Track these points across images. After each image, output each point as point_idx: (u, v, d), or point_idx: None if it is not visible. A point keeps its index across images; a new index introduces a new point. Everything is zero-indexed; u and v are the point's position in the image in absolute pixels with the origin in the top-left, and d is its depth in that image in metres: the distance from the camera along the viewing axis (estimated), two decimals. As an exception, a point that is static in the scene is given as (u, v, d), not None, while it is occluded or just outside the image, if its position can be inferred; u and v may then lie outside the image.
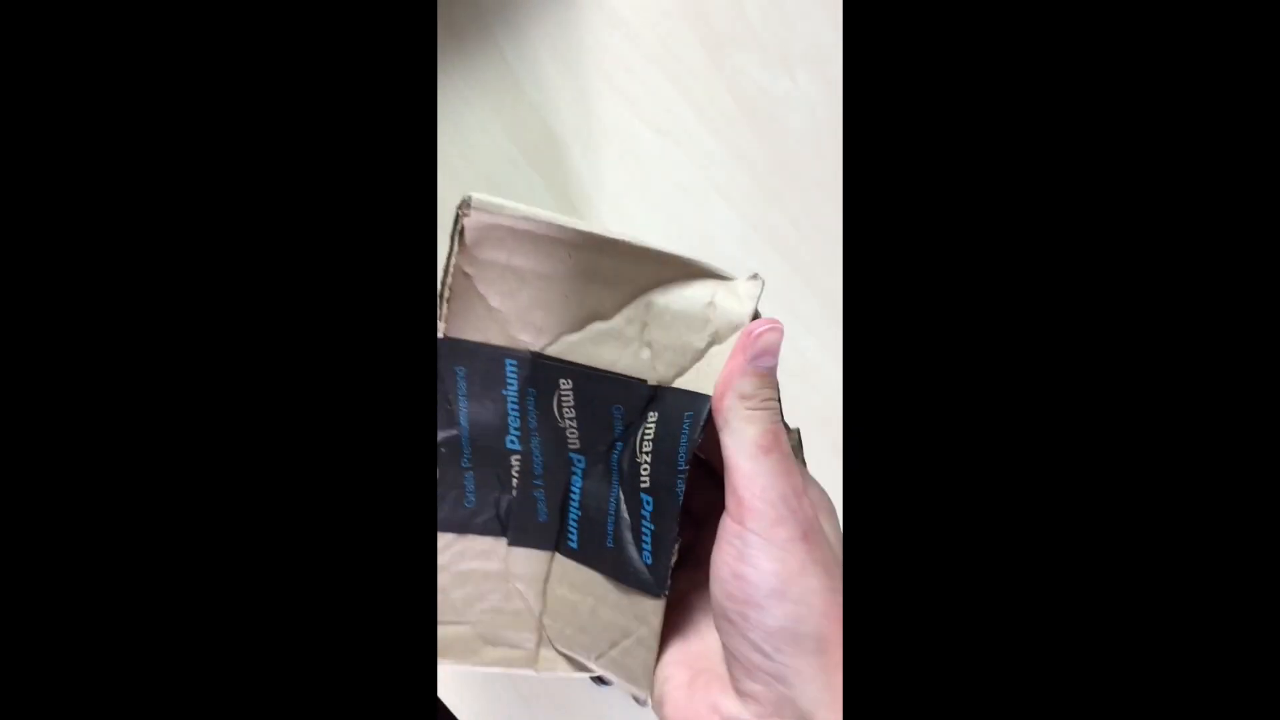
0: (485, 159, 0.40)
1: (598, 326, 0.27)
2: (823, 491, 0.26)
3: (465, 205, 0.25)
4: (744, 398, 0.24)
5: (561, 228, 0.25)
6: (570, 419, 0.28)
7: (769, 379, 0.24)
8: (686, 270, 0.26)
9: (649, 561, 0.25)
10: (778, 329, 0.24)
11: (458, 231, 0.25)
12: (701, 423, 0.24)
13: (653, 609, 0.25)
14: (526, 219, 0.25)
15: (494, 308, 0.27)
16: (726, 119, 0.41)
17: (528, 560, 0.29)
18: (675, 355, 0.26)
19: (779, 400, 0.24)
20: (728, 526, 0.23)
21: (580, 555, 0.28)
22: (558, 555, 0.28)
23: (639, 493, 0.25)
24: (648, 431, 0.25)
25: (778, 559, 0.22)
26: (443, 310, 0.26)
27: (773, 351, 0.24)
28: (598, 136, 0.40)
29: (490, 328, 0.27)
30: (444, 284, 0.26)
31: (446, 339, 0.27)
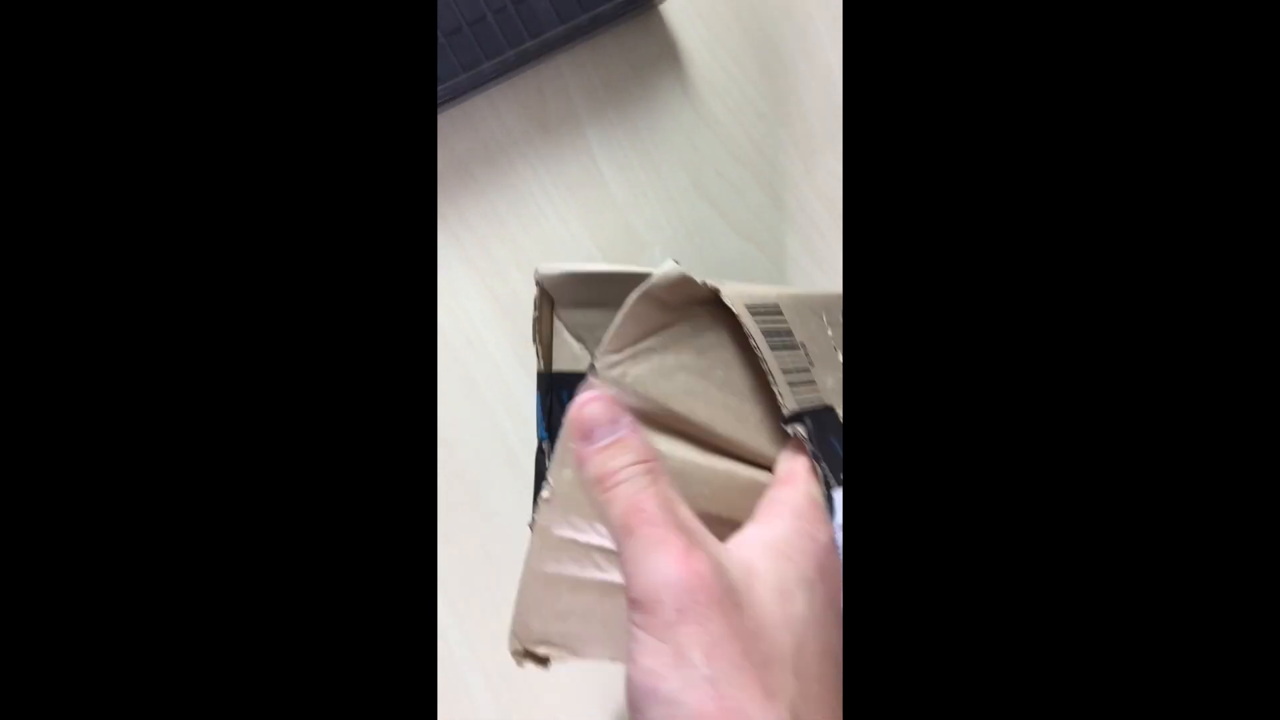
0: (560, 252, 0.39)
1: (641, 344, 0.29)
2: (796, 531, 0.23)
3: (537, 274, 0.30)
4: (597, 482, 0.22)
5: (613, 273, 0.29)
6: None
7: (618, 449, 0.23)
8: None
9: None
10: (597, 399, 0.23)
11: (541, 295, 0.30)
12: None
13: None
14: (587, 270, 0.29)
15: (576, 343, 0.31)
16: (814, 224, 0.40)
17: None
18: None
19: (644, 459, 0.23)
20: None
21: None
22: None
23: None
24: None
25: (652, 652, 0.20)
26: (539, 351, 0.30)
27: (602, 423, 0.23)
28: (680, 238, 0.39)
29: (580, 360, 0.31)
30: (536, 334, 0.30)
31: (550, 373, 0.31)
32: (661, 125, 0.39)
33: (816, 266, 0.40)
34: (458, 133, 0.38)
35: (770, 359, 0.25)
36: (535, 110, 0.39)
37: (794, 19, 0.40)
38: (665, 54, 0.39)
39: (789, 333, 0.27)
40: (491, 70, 0.36)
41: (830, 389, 0.28)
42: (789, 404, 0.25)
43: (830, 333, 0.30)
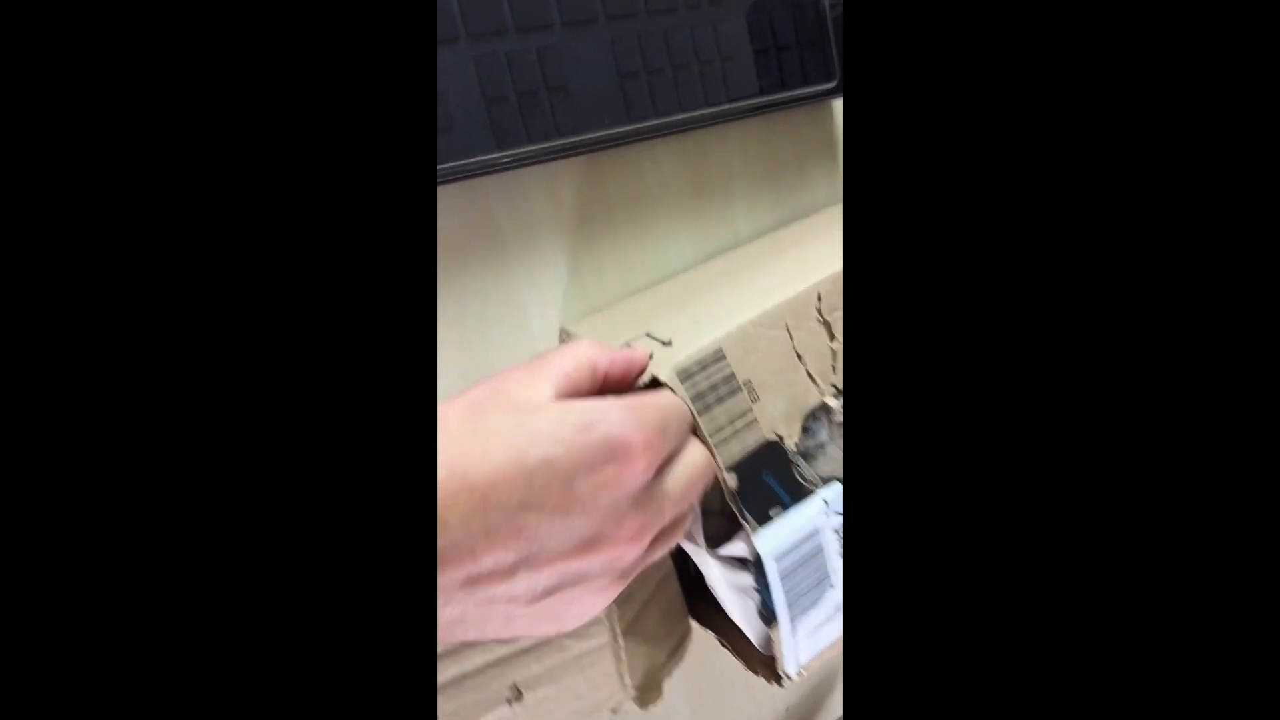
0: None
1: None
2: None
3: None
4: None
5: None
6: None
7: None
8: None
9: None
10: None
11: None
12: None
13: None
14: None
15: None
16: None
17: None
18: None
19: None
20: None
21: None
22: None
23: None
24: None
25: None
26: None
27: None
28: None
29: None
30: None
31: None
32: (807, 216, 0.39)
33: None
34: (617, 175, 0.36)
35: (700, 424, 0.27)
36: (695, 171, 0.37)
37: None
38: (827, 148, 0.39)
39: (729, 378, 0.28)
40: (680, 122, 0.35)
41: (780, 413, 0.29)
42: (720, 464, 0.27)
43: (793, 336, 0.30)
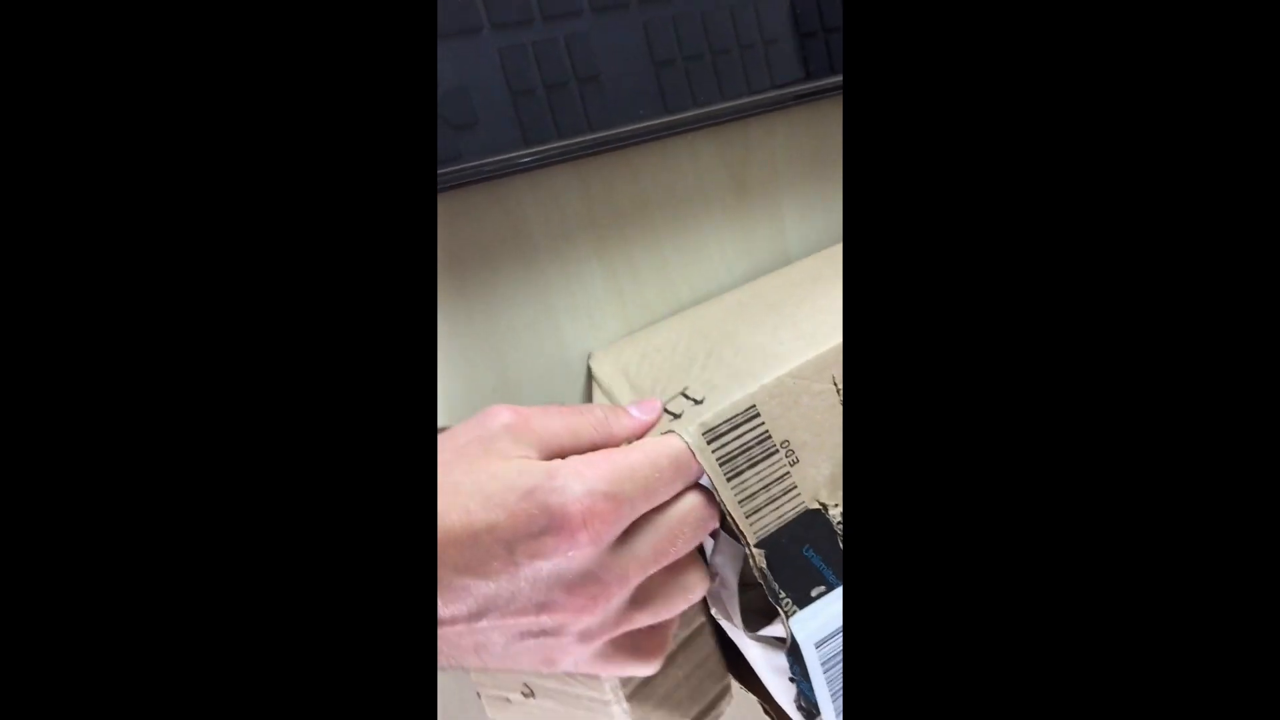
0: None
1: None
2: None
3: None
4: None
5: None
6: None
7: None
8: None
9: None
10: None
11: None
12: None
13: None
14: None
15: None
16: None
17: None
18: None
19: None
20: None
21: None
22: None
23: None
24: None
25: None
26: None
27: None
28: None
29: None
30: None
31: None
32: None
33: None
34: (652, 171, 0.34)
35: (725, 493, 0.24)
36: (737, 167, 0.35)
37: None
38: (880, 139, 0.36)
39: (764, 438, 0.25)
40: (721, 112, 0.32)
41: (825, 477, 0.26)
42: (748, 537, 0.25)
43: (840, 389, 0.27)
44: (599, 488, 0.21)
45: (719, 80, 0.32)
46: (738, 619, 0.27)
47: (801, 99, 0.33)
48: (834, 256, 0.35)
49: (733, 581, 0.26)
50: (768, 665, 0.27)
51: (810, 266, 0.35)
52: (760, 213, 0.35)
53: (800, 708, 0.26)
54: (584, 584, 0.21)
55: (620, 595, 0.22)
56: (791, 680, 0.26)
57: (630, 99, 0.30)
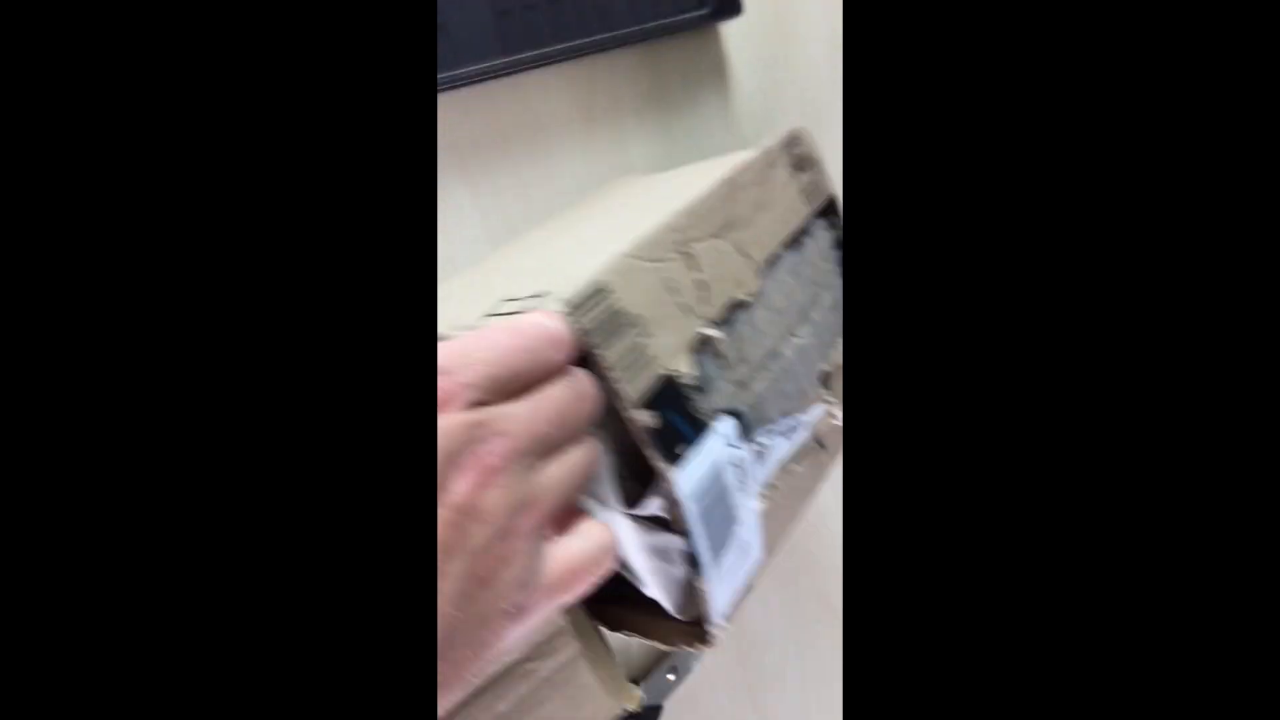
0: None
1: None
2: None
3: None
4: None
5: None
6: None
7: None
8: None
9: None
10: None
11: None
12: None
13: None
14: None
15: None
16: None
17: None
18: None
19: None
20: None
21: None
22: None
23: None
24: None
25: None
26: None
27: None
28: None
29: None
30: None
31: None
32: (697, 138, 0.42)
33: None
34: (508, 105, 0.39)
35: (610, 356, 0.25)
36: (584, 99, 0.40)
37: (838, 77, 0.42)
38: (715, 72, 0.41)
39: (617, 314, 0.26)
40: (558, 52, 0.37)
41: (669, 348, 0.27)
42: (632, 400, 0.26)
43: (667, 267, 0.28)
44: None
45: (554, 26, 0.37)
46: (614, 501, 0.27)
47: (632, 40, 0.38)
48: (661, 178, 0.39)
49: (608, 467, 0.27)
50: (642, 549, 0.28)
51: (637, 187, 0.39)
52: (606, 138, 0.41)
53: (686, 561, 0.28)
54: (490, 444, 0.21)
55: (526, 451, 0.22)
56: (678, 536, 0.27)
57: (474, 44, 0.35)
